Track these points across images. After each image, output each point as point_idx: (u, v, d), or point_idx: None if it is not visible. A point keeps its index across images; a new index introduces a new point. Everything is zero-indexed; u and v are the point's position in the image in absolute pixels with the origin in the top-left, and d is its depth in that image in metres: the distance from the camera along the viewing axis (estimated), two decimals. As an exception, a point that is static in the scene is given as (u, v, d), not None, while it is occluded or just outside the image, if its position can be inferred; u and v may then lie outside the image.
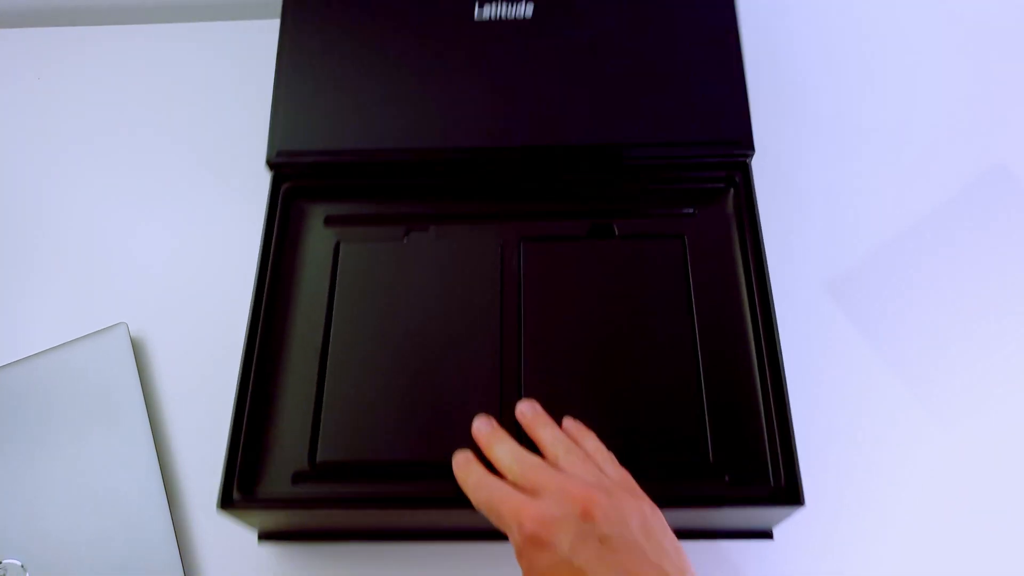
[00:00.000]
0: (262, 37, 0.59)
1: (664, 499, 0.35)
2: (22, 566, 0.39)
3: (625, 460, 0.35)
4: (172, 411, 0.45)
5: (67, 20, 0.64)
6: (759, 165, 0.43)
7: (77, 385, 0.44)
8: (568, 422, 0.36)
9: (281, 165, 0.44)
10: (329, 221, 0.44)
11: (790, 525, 0.38)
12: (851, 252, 0.49)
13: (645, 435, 0.37)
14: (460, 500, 0.34)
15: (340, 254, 0.43)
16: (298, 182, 0.44)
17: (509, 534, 0.31)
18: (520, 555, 0.30)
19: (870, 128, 0.54)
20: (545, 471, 0.32)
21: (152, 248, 0.51)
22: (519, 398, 0.38)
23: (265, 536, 0.41)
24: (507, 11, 0.46)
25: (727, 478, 0.36)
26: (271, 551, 0.41)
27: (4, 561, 0.39)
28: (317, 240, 0.44)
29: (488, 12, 0.46)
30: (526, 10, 0.46)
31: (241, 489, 0.36)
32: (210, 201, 0.53)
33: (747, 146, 0.43)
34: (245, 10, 0.62)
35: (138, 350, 0.46)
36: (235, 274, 0.44)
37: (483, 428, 0.36)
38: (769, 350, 0.39)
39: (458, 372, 0.39)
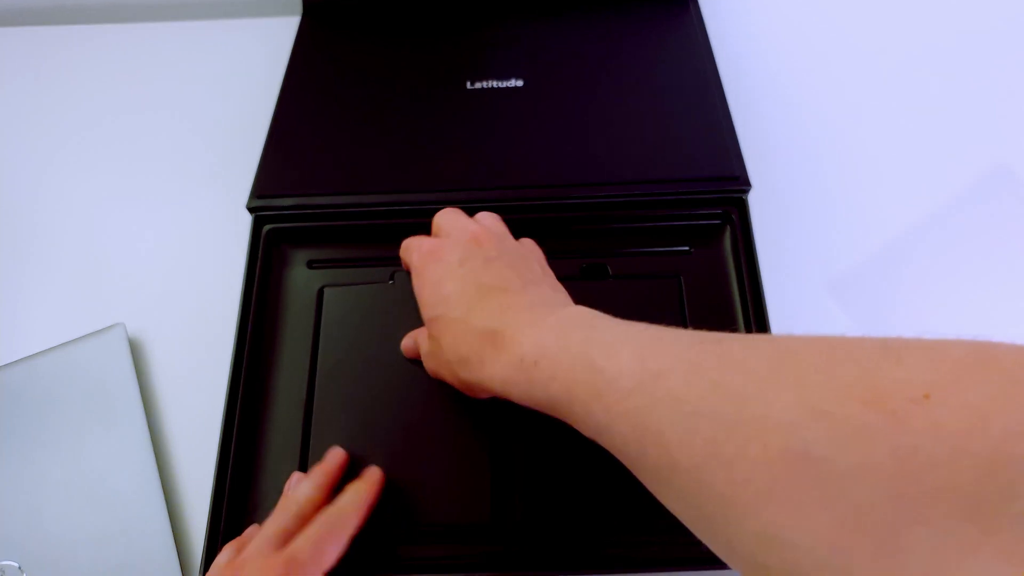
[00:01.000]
0: (262, 36, 0.60)
1: (662, 560, 0.34)
2: (19, 567, 0.38)
3: (621, 511, 0.35)
4: (170, 411, 0.45)
5: (65, 19, 0.63)
6: (754, 174, 0.43)
7: (75, 385, 0.43)
8: None
9: (261, 209, 0.43)
10: (313, 264, 0.43)
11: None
12: (852, 266, 0.48)
13: (643, 487, 0.36)
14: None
15: (324, 297, 0.42)
16: (280, 224, 0.43)
17: (411, 259, 0.36)
18: (416, 274, 0.35)
19: (869, 129, 0.53)
20: (461, 220, 0.36)
21: (150, 248, 0.51)
22: (510, 441, 0.37)
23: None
24: (498, 84, 0.48)
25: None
26: None
27: (1, 562, 0.39)
28: (301, 283, 0.42)
29: (480, 85, 0.48)
30: (516, 83, 0.48)
31: (224, 555, 0.35)
32: (209, 201, 0.52)
33: (743, 182, 0.42)
34: (245, 8, 0.61)
35: (136, 350, 0.46)
36: (234, 274, 0.43)
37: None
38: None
39: (446, 416, 0.38)
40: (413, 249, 0.37)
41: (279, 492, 0.36)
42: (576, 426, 0.28)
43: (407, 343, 0.39)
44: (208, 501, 0.36)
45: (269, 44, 0.58)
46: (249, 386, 0.39)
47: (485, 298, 0.32)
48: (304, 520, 0.33)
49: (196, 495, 0.42)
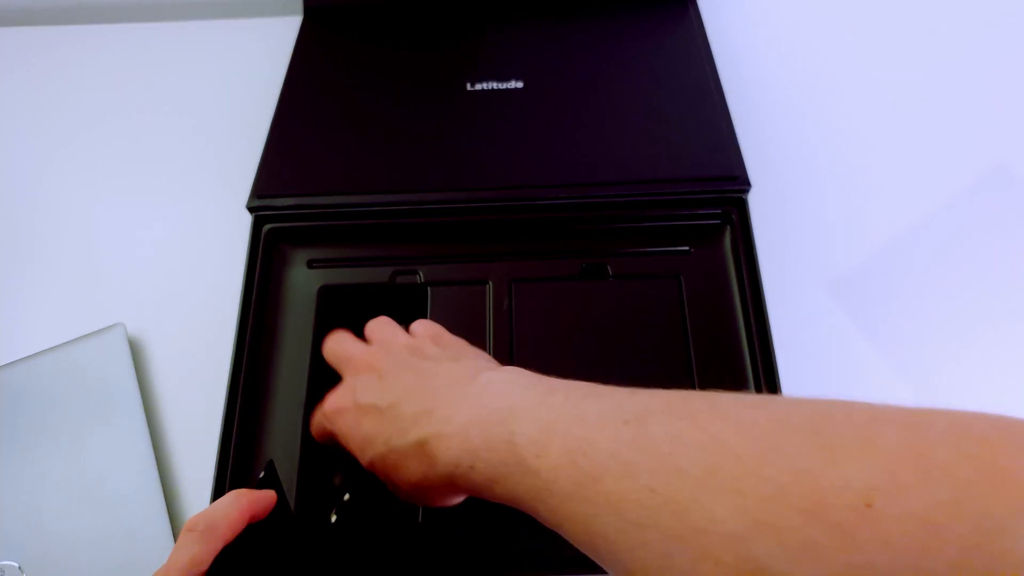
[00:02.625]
0: (262, 35, 0.60)
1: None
2: (19, 567, 0.38)
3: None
4: (169, 411, 0.45)
5: (66, 19, 0.64)
6: (754, 174, 0.43)
7: (75, 385, 0.43)
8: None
9: (261, 208, 0.43)
10: (313, 264, 0.43)
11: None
12: (852, 266, 0.48)
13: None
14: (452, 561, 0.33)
15: (324, 297, 0.42)
16: (280, 224, 0.43)
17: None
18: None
19: (869, 129, 0.53)
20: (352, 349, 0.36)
21: (150, 248, 0.51)
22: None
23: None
24: (498, 86, 0.48)
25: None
26: None
27: (1, 562, 0.38)
28: (300, 283, 0.42)
29: (480, 86, 0.49)
30: (516, 84, 0.48)
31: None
32: (209, 200, 0.52)
33: (743, 182, 0.42)
34: (245, 8, 0.61)
35: (135, 350, 0.46)
36: (234, 274, 0.43)
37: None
38: (770, 393, 0.38)
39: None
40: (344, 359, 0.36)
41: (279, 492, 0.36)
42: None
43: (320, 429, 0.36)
44: (208, 501, 0.36)
45: (270, 44, 0.58)
46: (249, 386, 0.39)
47: (392, 416, 0.30)
48: None
49: (196, 495, 0.42)
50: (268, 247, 0.43)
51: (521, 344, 0.40)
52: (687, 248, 0.42)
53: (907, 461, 0.18)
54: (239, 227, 0.45)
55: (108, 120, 0.57)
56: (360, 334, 0.44)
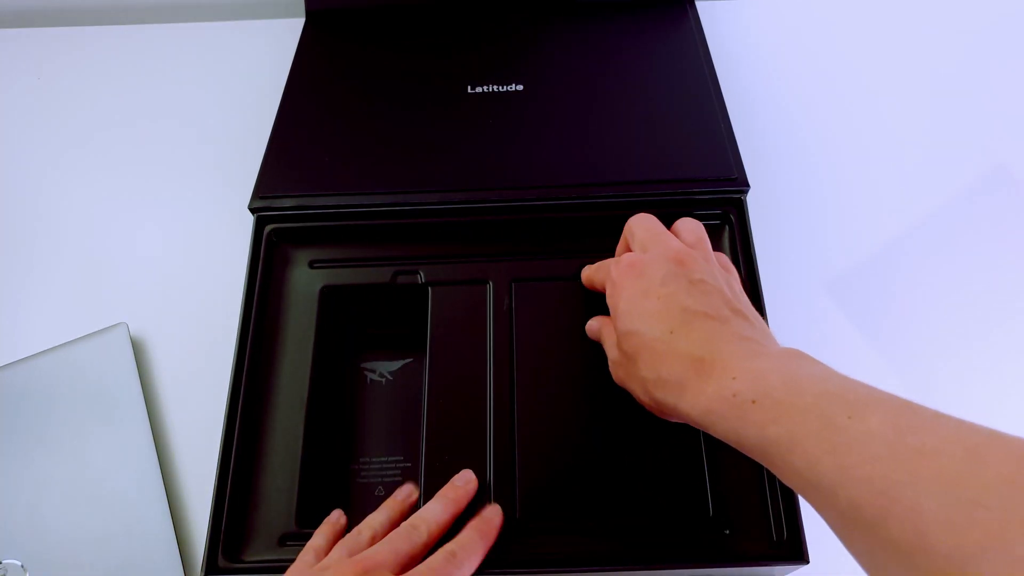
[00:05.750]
0: (263, 37, 0.61)
1: (661, 557, 0.34)
2: (22, 566, 0.39)
3: (620, 511, 0.35)
4: (172, 411, 0.45)
5: (67, 20, 0.64)
6: (753, 175, 0.43)
7: (77, 385, 0.44)
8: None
9: (263, 209, 0.43)
10: (314, 264, 0.43)
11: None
12: (850, 266, 0.48)
13: (641, 484, 0.36)
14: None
15: (326, 297, 0.42)
16: (281, 225, 0.43)
17: (606, 276, 0.35)
18: (613, 285, 0.34)
19: (867, 130, 0.54)
20: (662, 236, 0.35)
21: (152, 248, 0.51)
22: (510, 446, 0.37)
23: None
24: (498, 89, 0.49)
25: (727, 532, 0.35)
26: None
27: (4, 561, 0.39)
28: (302, 283, 0.43)
29: (480, 89, 0.49)
30: (516, 87, 0.49)
31: (226, 554, 0.35)
32: (211, 201, 0.53)
33: (741, 183, 0.42)
34: (248, 11, 0.62)
35: (138, 350, 0.46)
36: (236, 274, 0.43)
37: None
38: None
39: (444, 416, 0.38)
40: (610, 264, 0.36)
41: (280, 491, 0.36)
42: (780, 473, 0.26)
43: (592, 325, 0.39)
44: (210, 500, 0.36)
45: (272, 46, 0.58)
46: (251, 385, 0.39)
47: (689, 322, 0.30)
48: (426, 547, 0.32)
49: (198, 494, 0.42)
50: (270, 247, 0.43)
51: (521, 344, 0.40)
52: (686, 248, 0.42)
53: None
54: (241, 227, 0.45)
55: (111, 121, 0.57)
56: (361, 334, 0.44)
